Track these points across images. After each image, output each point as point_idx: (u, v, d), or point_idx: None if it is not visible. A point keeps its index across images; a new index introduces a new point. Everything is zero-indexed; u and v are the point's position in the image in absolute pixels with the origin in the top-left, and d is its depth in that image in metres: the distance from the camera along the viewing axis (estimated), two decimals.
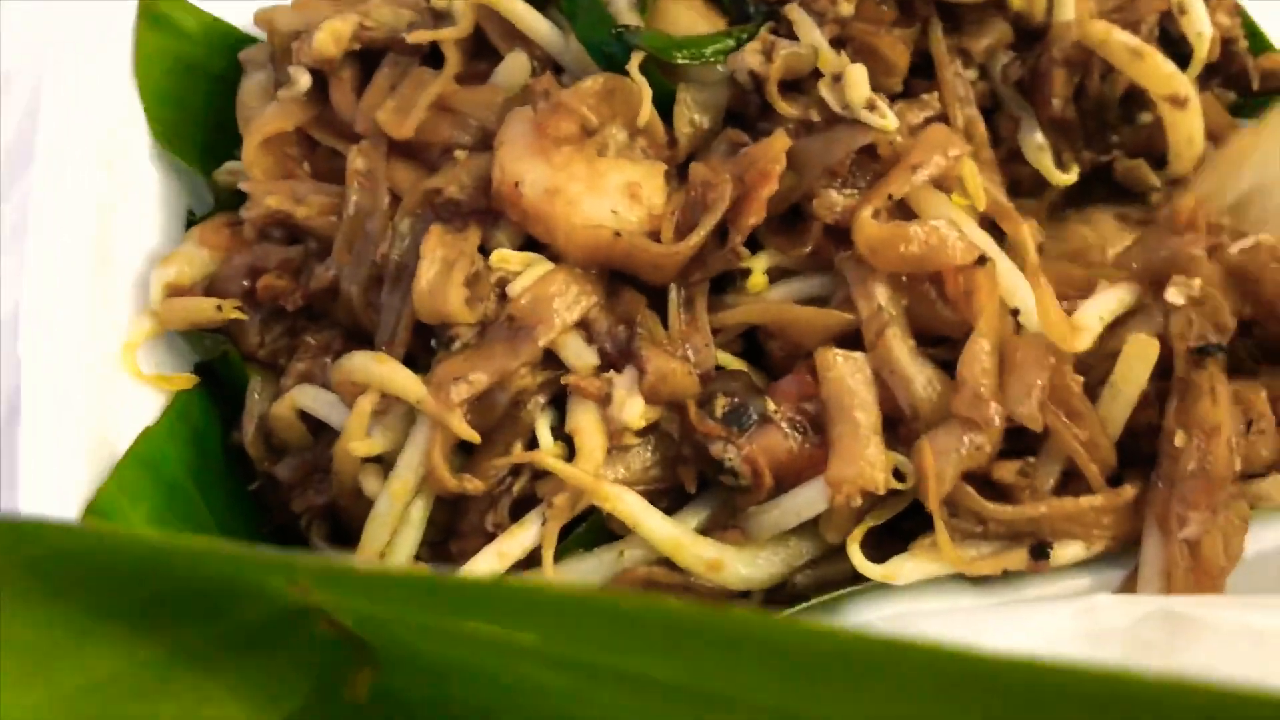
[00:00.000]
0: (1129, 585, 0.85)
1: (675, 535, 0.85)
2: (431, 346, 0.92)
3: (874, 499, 0.84)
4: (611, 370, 0.88)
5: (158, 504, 0.93)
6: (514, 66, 1.00)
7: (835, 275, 0.91)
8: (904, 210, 0.90)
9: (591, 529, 0.88)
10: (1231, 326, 0.87)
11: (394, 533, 0.89)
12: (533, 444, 0.89)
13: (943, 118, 0.97)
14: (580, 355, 0.89)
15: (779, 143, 0.89)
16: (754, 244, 0.92)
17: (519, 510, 0.88)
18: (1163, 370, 0.86)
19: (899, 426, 0.87)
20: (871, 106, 0.90)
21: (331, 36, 1.03)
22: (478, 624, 0.54)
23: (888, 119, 0.90)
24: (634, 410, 0.86)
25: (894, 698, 0.46)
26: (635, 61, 0.93)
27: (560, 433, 0.89)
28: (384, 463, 0.91)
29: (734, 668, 0.48)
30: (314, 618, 0.58)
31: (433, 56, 1.04)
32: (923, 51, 0.99)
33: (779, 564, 0.87)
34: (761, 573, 0.86)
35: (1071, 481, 0.87)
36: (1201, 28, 1.03)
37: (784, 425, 0.86)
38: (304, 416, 0.97)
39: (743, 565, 0.86)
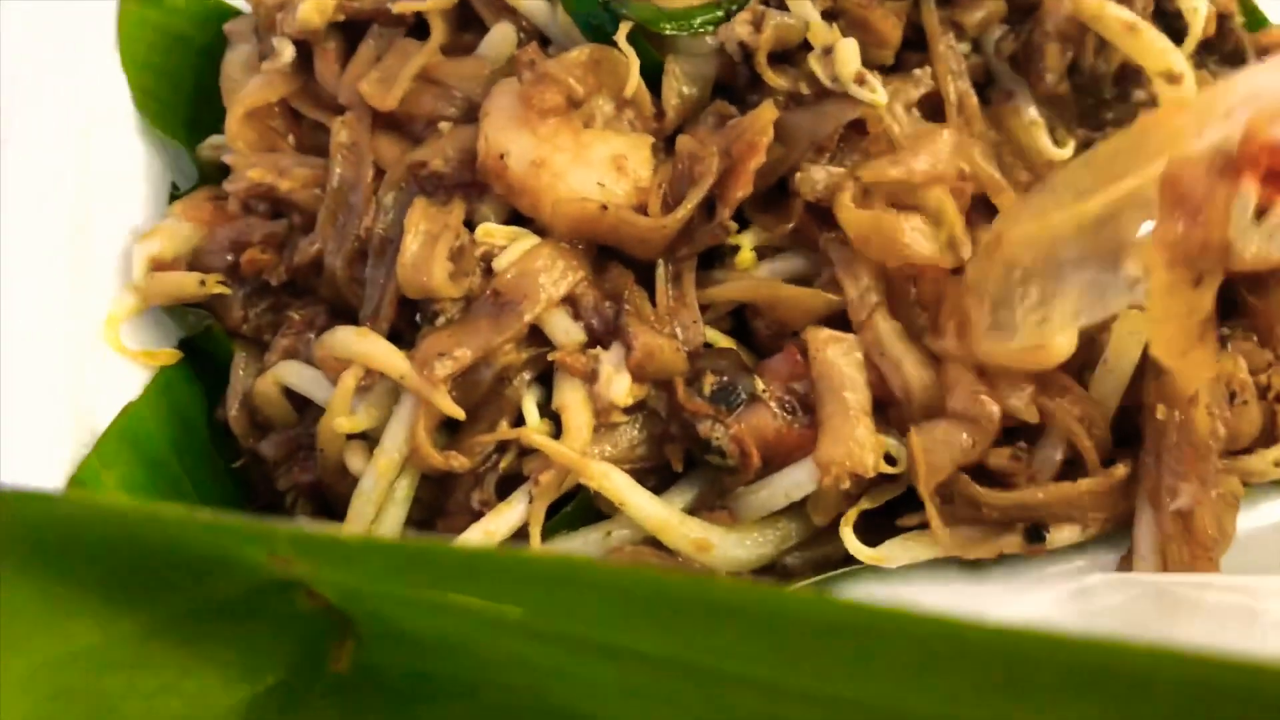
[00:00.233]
0: (1124, 566, 0.84)
1: (663, 515, 0.84)
2: (416, 322, 0.91)
3: (864, 482, 0.84)
4: (598, 346, 0.87)
5: (140, 479, 0.92)
6: (500, 38, 0.98)
7: (820, 255, 0.90)
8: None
9: (578, 508, 0.88)
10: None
11: (379, 510, 0.89)
12: (519, 421, 0.88)
13: (935, 93, 0.96)
14: (567, 331, 0.88)
15: (766, 114, 0.88)
16: (742, 220, 0.91)
17: (506, 488, 0.88)
18: None
19: (889, 409, 0.86)
20: (861, 81, 0.89)
21: (315, 7, 1.01)
22: (462, 597, 0.53)
23: (877, 93, 0.89)
24: (621, 387, 0.85)
25: (884, 669, 0.45)
26: (623, 32, 0.91)
27: (547, 410, 0.88)
28: (369, 439, 0.90)
29: (722, 640, 0.47)
30: (295, 590, 0.57)
31: (418, 28, 1.02)
32: (915, 25, 0.98)
33: (768, 545, 0.86)
34: (750, 554, 0.86)
35: (1067, 464, 0.86)
36: (1197, 3, 1.02)
37: (773, 405, 0.85)
38: (288, 393, 0.96)
39: (731, 546, 0.85)
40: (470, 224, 0.92)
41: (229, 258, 1.01)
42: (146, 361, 0.99)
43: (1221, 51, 1.08)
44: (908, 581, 0.84)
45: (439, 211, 0.91)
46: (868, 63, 0.91)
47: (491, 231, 0.90)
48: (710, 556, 0.84)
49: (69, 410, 0.91)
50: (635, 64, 0.92)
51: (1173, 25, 1.01)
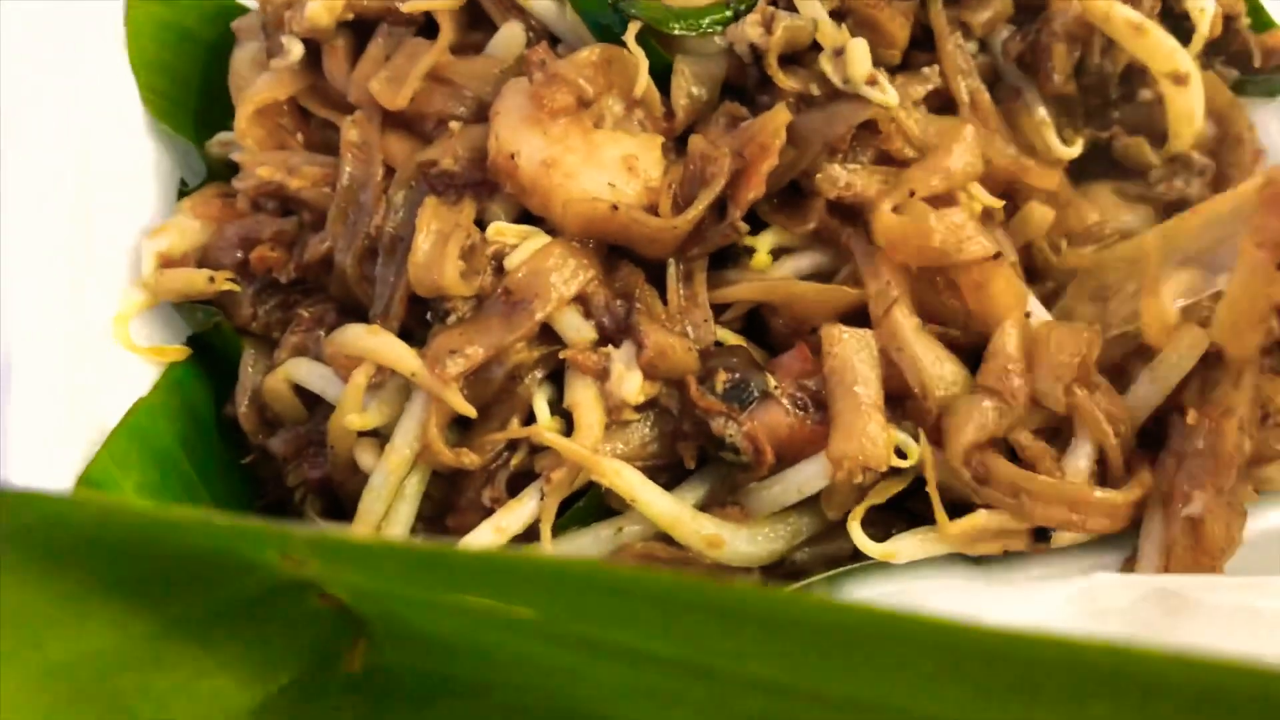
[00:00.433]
0: (1129, 567, 0.85)
1: (674, 511, 0.85)
2: (427, 320, 0.91)
3: (876, 476, 0.84)
4: (609, 345, 0.88)
5: (150, 476, 0.92)
6: (509, 37, 0.99)
7: (840, 251, 0.91)
8: None
9: (589, 505, 0.88)
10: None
11: (390, 507, 0.89)
12: (530, 419, 0.88)
13: (944, 91, 0.96)
14: (578, 330, 0.88)
15: (780, 116, 0.88)
16: (753, 221, 0.92)
17: (516, 485, 0.88)
18: None
19: (907, 403, 0.86)
20: (872, 81, 0.89)
21: (324, 6, 1.01)
22: (474, 598, 0.53)
23: (888, 94, 0.89)
24: (632, 385, 0.85)
25: (894, 671, 0.45)
26: (632, 32, 0.92)
27: (558, 408, 0.88)
28: (380, 437, 0.90)
29: (734, 643, 0.47)
30: (308, 591, 0.57)
31: (427, 27, 1.02)
32: (922, 24, 0.98)
33: (779, 541, 0.86)
34: (761, 549, 0.86)
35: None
36: (1203, 3, 1.02)
37: (785, 402, 0.86)
38: (298, 390, 0.96)
39: (742, 542, 0.85)
40: (480, 223, 0.92)
41: (238, 255, 1.01)
42: (155, 358, 0.99)
43: (1228, 52, 1.08)
44: (916, 577, 0.84)
45: (450, 210, 0.91)
46: (876, 62, 0.91)
47: (503, 230, 0.91)
48: (721, 552, 0.84)
49: (78, 406, 0.91)
50: (644, 64, 0.92)
51: (1180, 26, 1.01)
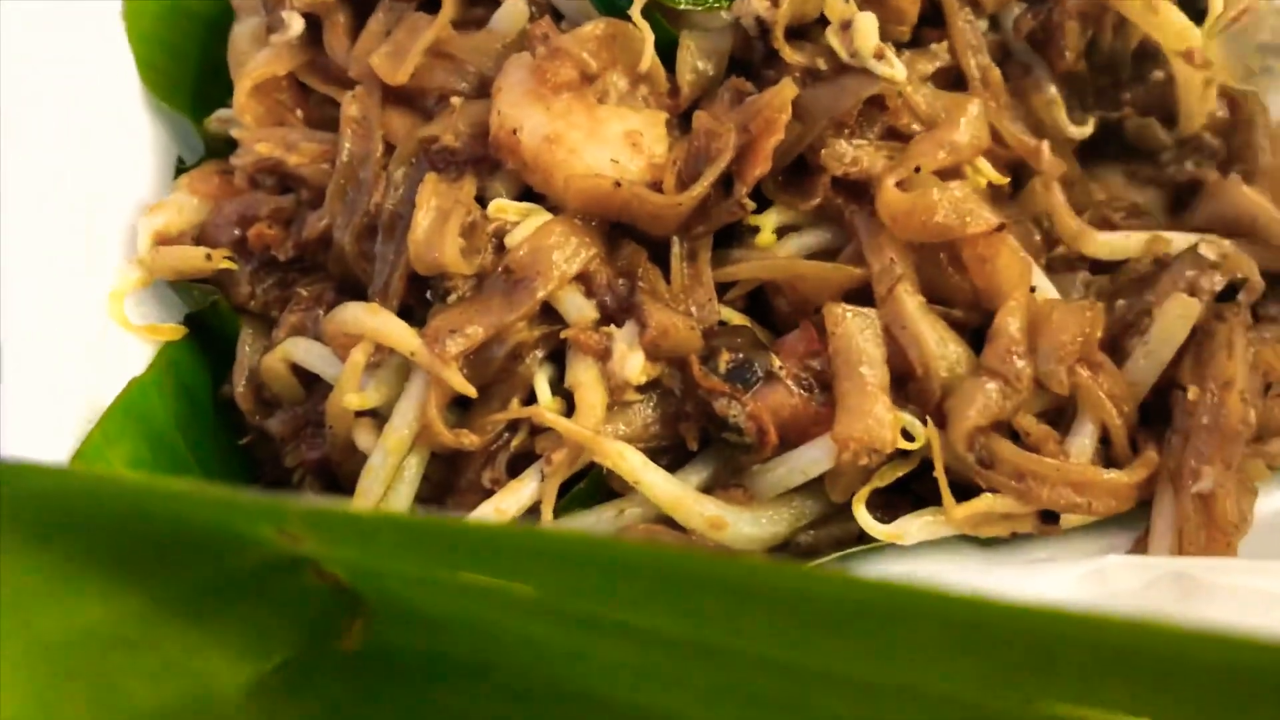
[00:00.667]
0: (1139, 548, 0.84)
1: (677, 493, 0.83)
2: (427, 299, 0.90)
3: (882, 458, 0.83)
4: (611, 324, 0.86)
5: (145, 456, 0.92)
6: (512, 11, 0.97)
7: (844, 228, 0.90)
8: None
9: (590, 487, 0.87)
10: (1260, 286, 0.87)
11: (388, 488, 0.88)
12: (531, 399, 0.87)
13: (953, 68, 0.95)
14: (580, 309, 0.87)
15: (786, 91, 0.87)
16: (759, 199, 0.90)
17: (517, 467, 0.87)
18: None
19: (909, 384, 0.85)
20: (880, 56, 0.88)
21: None
22: (474, 575, 0.52)
23: (896, 68, 0.88)
24: (634, 365, 0.84)
25: (906, 649, 0.44)
26: (637, 6, 0.90)
27: (559, 388, 0.87)
28: (379, 417, 0.89)
29: (741, 620, 0.46)
30: (304, 568, 0.56)
31: (429, 2, 1.00)
32: (932, 1, 0.97)
33: (783, 523, 0.85)
34: (765, 532, 0.85)
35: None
36: None
37: (789, 382, 0.84)
38: (296, 370, 0.95)
39: (745, 524, 0.84)
40: (481, 200, 0.91)
41: (236, 232, 1.00)
42: (151, 336, 0.98)
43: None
44: (922, 560, 0.83)
45: (450, 187, 0.90)
46: (884, 39, 0.90)
47: (504, 207, 0.89)
48: (725, 535, 0.83)
49: (73, 384, 0.90)
50: (650, 38, 0.90)
51: (1193, 4, 1.00)
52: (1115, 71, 1.02)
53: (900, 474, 0.84)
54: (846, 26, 0.89)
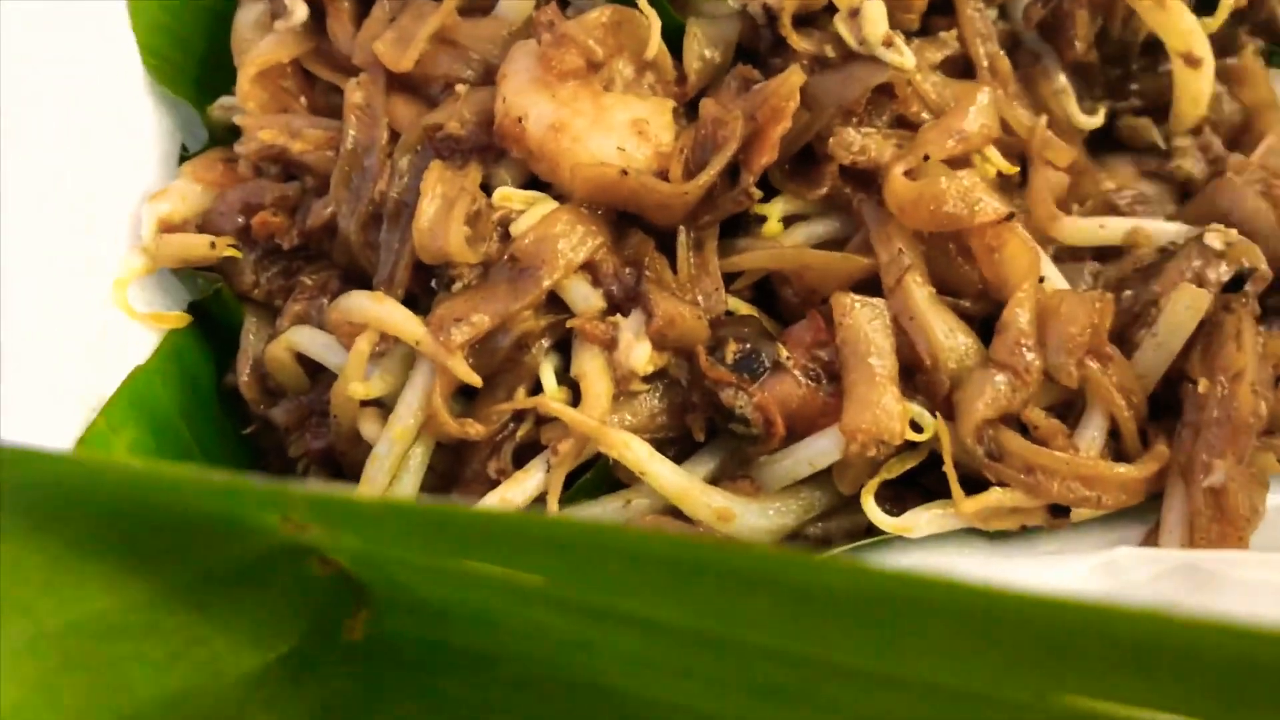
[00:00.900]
0: (1150, 540, 0.83)
1: (683, 484, 0.83)
2: (432, 288, 0.90)
3: (891, 449, 0.82)
4: (618, 314, 0.86)
5: (149, 444, 0.91)
6: None
7: (852, 218, 0.89)
8: None
9: (596, 477, 0.86)
10: (1269, 275, 0.86)
11: (393, 478, 0.87)
12: (537, 389, 0.87)
13: (962, 57, 0.94)
14: (586, 298, 0.86)
15: (793, 78, 0.86)
16: (766, 188, 0.89)
17: (522, 457, 0.86)
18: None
19: (917, 376, 0.84)
20: (889, 43, 0.87)
21: None
22: (480, 564, 0.51)
23: (905, 56, 0.87)
24: (641, 355, 0.83)
25: (919, 640, 0.44)
26: None
27: (565, 378, 0.86)
28: (384, 407, 0.89)
29: (752, 611, 0.46)
30: (308, 557, 0.55)
31: None
32: None
33: (790, 515, 0.85)
34: (772, 524, 0.84)
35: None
36: None
37: (797, 372, 0.84)
38: (301, 358, 0.95)
39: (753, 515, 0.83)
40: (487, 188, 0.90)
41: (240, 220, 0.99)
42: (155, 324, 0.98)
43: (1254, 21, 1.06)
44: (933, 552, 0.82)
45: (455, 175, 0.89)
46: (893, 27, 0.89)
47: (509, 196, 0.89)
48: (732, 526, 0.83)
49: (77, 372, 0.89)
50: (657, 24, 0.90)
51: None
52: (1124, 62, 1.01)
53: (909, 466, 0.84)
54: (855, 14, 0.88)
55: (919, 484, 0.85)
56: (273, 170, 1.01)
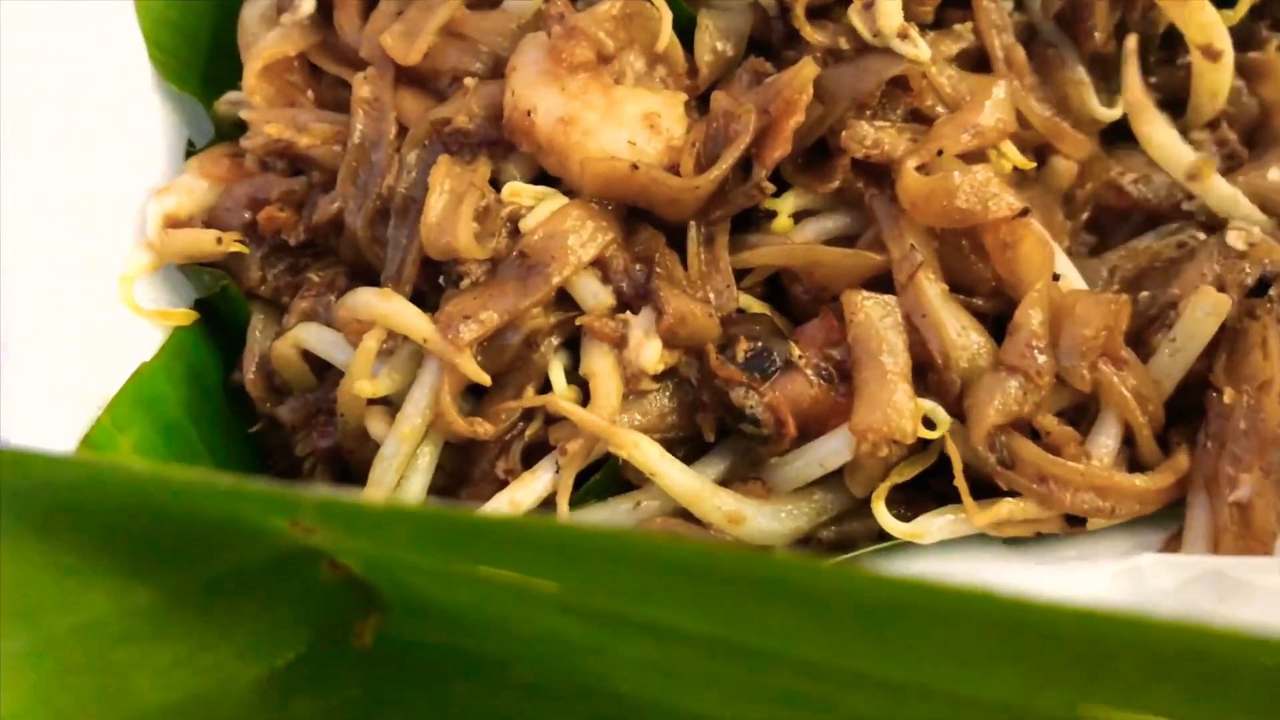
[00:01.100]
0: (1172, 546, 0.82)
1: (694, 486, 0.82)
2: (440, 284, 0.89)
3: (903, 450, 0.81)
4: (628, 311, 0.85)
5: (154, 443, 0.90)
6: None
7: (864, 213, 0.88)
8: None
9: (606, 478, 0.85)
10: None
11: (401, 477, 0.86)
12: (546, 387, 0.86)
13: (977, 49, 0.93)
14: (596, 295, 0.85)
15: (806, 70, 0.85)
16: (779, 183, 0.88)
17: (532, 457, 0.85)
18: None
19: (929, 375, 0.83)
20: (904, 35, 0.86)
21: None
22: (493, 570, 0.50)
23: (921, 48, 0.86)
24: (651, 353, 0.82)
25: (945, 650, 0.43)
26: None
27: (575, 376, 0.85)
28: (391, 405, 0.88)
29: (772, 618, 0.45)
30: (317, 561, 0.55)
31: None
32: None
33: (802, 518, 0.83)
34: (785, 526, 0.83)
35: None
36: None
37: (809, 372, 0.83)
38: (307, 356, 0.94)
39: (764, 518, 0.82)
40: (496, 183, 0.89)
41: (246, 215, 0.98)
42: (161, 321, 0.97)
43: (1275, 17, 1.04)
44: (950, 557, 0.81)
45: (464, 170, 0.88)
46: (908, 19, 0.88)
47: (518, 191, 0.88)
48: (743, 529, 0.81)
49: (78, 372, 0.89)
50: (668, 16, 0.89)
51: None
52: (1143, 54, 0.99)
53: (919, 470, 0.82)
54: (869, 5, 0.87)
55: (930, 487, 0.84)
56: (279, 165, 1.00)
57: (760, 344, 0.83)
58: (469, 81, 0.92)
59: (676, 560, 0.44)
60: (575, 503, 0.83)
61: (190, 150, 1.07)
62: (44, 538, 0.51)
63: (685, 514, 0.83)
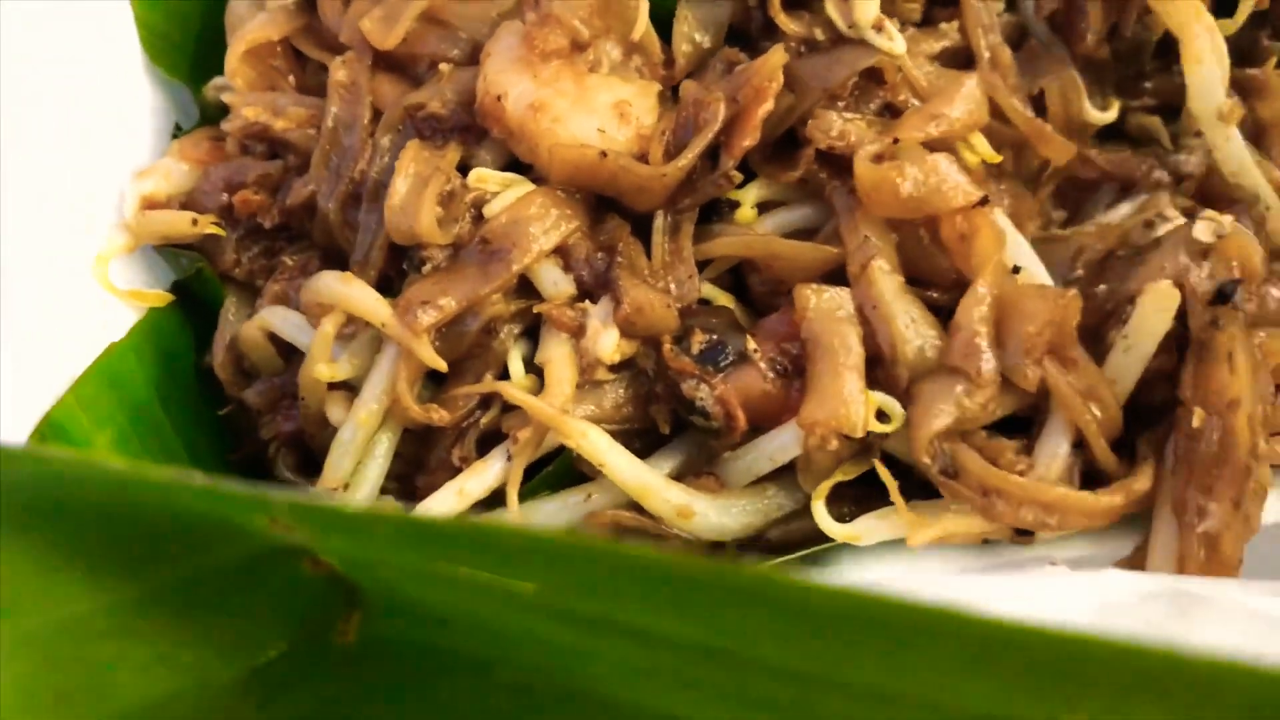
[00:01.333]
0: (1136, 561, 0.79)
1: (644, 478, 0.80)
2: (405, 269, 0.88)
3: (855, 446, 0.79)
4: (588, 300, 0.84)
5: (121, 424, 0.90)
6: None
7: (826, 206, 0.86)
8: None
9: (559, 470, 0.84)
10: (1261, 272, 0.81)
11: (359, 463, 0.86)
12: (505, 376, 0.85)
13: (964, 49, 0.91)
14: (556, 283, 0.84)
15: (775, 58, 0.83)
16: (746, 171, 0.87)
17: (487, 445, 0.84)
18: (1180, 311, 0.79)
19: (877, 369, 0.81)
20: (879, 27, 0.85)
21: None
22: (471, 570, 0.51)
23: (895, 41, 0.85)
24: (608, 343, 0.81)
25: (923, 664, 0.43)
26: None
27: (535, 365, 0.84)
28: (352, 390, 0.87)
29: (748, 627, 0.45)
30: (298, 558, 0.54)
31: None
32: None
33: (755, 515, 0.82)
34: (735, 522, 0.81)
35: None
36: None
37: (763, 365, 0.81)
38: (275, 340, 0.93)
39: (714, 513, 0.81)
40: (467, 170, 0.88)
41: (223, 198, 0.98)
42: (135, 301, 0.97)
43: (1275, 25, 1.03)
44: (918, 559, 0.79)
45: (432, 154, 0.88)
46: (893, 16, 0.88)
47: (484, 177, 0.87)
48: (692, 523, 0.80)
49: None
50: (644, 7, 0.88)
51: None
52: (1137, 60, 0.98)
53: (865, 469, 0.80)
54: None
55: (882, 487, 0.80)
56: (259, 149, 1.00)
57: (715, 336, 0.82)
58: (444, 67, 0.92)
59: (652, 570, 0.44)
60: (527, 494, 0.83)
61: (176, 134, 1.07)
62: (23, 534, 0.50)
63: (637, 507, 0.81)
